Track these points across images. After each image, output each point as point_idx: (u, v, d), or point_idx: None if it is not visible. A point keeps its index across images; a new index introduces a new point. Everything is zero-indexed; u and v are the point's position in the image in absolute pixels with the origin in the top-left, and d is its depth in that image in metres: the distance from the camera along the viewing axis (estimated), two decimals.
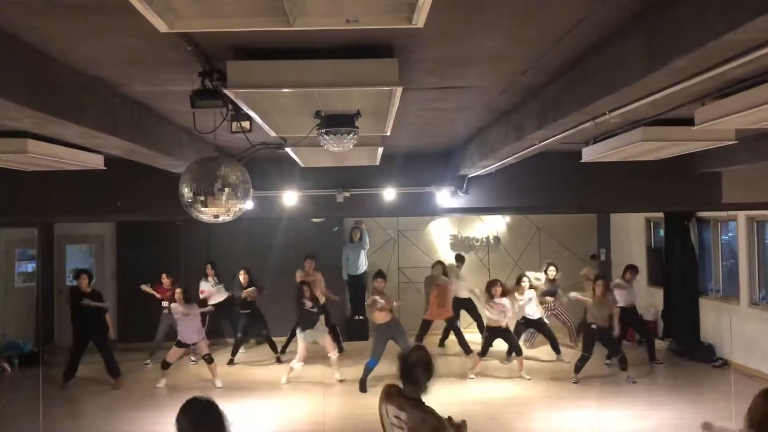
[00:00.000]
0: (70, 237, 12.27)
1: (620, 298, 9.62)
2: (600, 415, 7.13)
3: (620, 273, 10.28)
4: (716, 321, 10.17)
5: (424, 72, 3.65)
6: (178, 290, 9.10)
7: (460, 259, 11.44)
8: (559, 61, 3.48)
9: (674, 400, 8.17)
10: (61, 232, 12.14)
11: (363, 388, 8.50)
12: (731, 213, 9.57)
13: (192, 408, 2.74)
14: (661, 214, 11.08)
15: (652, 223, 11.97)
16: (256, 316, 10.22)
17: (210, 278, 10.59)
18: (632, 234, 12.25)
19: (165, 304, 10.21)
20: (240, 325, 10.21)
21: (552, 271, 10.50)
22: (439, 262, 10.62)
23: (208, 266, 10.68)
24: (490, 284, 9.25)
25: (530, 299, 9.79)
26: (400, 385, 3.30)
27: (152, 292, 10.25)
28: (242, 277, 10.19)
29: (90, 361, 9.31)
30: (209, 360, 8.92)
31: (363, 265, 11.66)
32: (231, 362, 10.01)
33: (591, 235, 12.60)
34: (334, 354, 9.05)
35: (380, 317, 8.60)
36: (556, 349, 10.03)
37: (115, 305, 11.39)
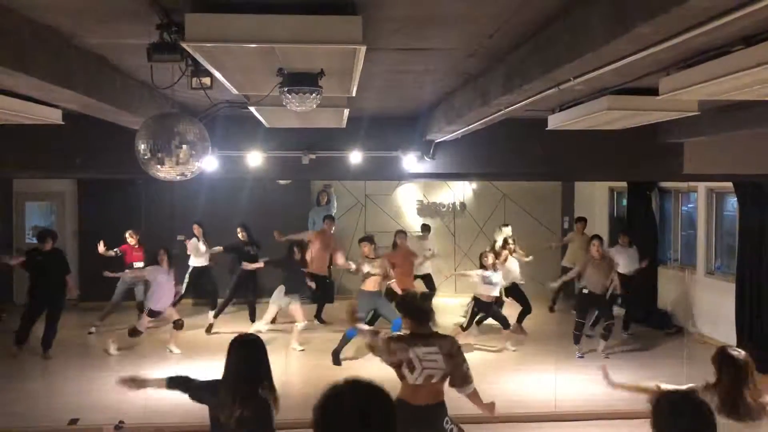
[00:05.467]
0: (29, 194, 11.99)
1: (622, 263, 9.31)
2: (557, 378, 7.29)
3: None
4: (673, 289, 10.43)
5: (390, 32, 3.58)
6: (162, 252, 8.72)
7: (425, 229, 11.17)
8: (526, 25, 3.44)
9: (629, 365, 8.39)
10: (21, 188, 11.84)
11: (337, 361, 8.20)
12: (692, 184, 9.75)
13: (244, 343, 3.44)
14: (624, 184, 11.25)
15: (615, 192, 12.16)
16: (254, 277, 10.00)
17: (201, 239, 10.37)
18: (596, 202, 12.42)
19: (139, 265, 9.95)
20: (236, 284, 9.99)
21: (508, 231, 10.33)
22: (400, 231, 10.35)
23: (196, 226, 10.41)
24: (483, 255, 8.95)
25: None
26: (406, 331, 4.18)
27: (113, 254, 9.94)
28: (240, 234, 9.99)
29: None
30: (180, 326, 8.69)
31: None
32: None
33: (555, 202, 12.75)
34: (301, 324, 8.91)
35: (369, 285, 8.42)
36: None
37: (77, 264, 11.21)
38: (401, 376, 4.10)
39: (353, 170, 7.43)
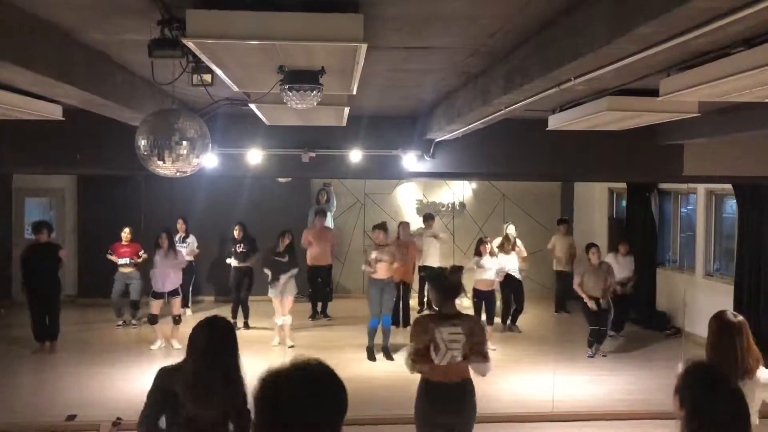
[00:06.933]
0: (29, 189, 11.98)
1: (617, 271, 9.23)
2: (555, 379, 7.29)
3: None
4: (672, 291, 10.44)
5: (391, 30, 3.58)
6: (164, 235, 8.76)
7: (428, 218, 11.02)
8: (528, 24, 3.44)
9: (627, 366, 8.41)
10: (20, 184, 11.83)
11: (372, 356, 8.30)
12: (691, 186, 9.76)
13: (211, 325, 3.13)
14: (623, 185, 11.24)
15: (614, 194, 12.15)
16: (249, 275, 9.98)
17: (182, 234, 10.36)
18: (595, 204, 12.42)
19: (123, 261, 9.90)
20: (233, 284, 9.96)
21: (512, 230, 10.27)
22: (403, 222, 10.48)
23: (180, 221, 10.41)
24: (479, 243, 9.06)
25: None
26: (429, 311, 4.09)
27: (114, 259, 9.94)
28: (236, 232, 9.95)
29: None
30: (177, 321, 8.70)
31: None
32: (246, 326, 9.77)
33: (555, 203, 12.74)
34: (287, 319, 8.87)
35: (379, 272, 8.38)
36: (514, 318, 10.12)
37: (76, 259, 11.20)
38: (426, 359, 4.20)
39: (353, 169, 7.44)
